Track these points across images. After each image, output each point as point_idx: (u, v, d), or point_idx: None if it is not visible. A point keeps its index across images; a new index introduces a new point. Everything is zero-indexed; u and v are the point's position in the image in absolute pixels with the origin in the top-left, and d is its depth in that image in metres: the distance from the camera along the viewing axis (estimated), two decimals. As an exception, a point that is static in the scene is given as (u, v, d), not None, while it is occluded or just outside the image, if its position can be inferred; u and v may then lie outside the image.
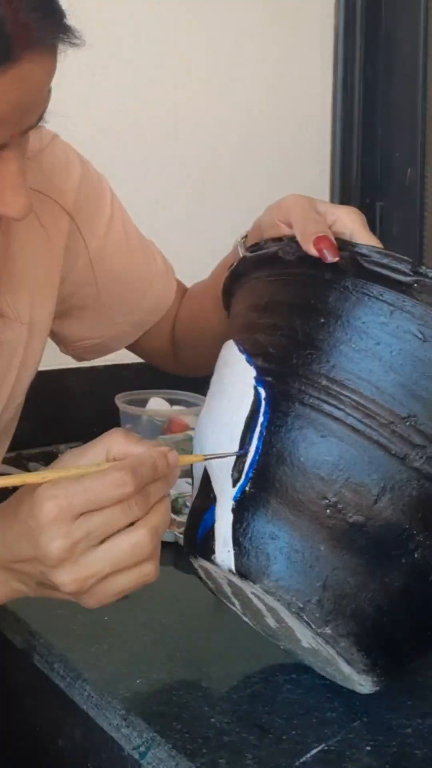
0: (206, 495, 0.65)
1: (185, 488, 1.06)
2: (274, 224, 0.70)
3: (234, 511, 0.62)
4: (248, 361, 0.65)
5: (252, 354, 0.66)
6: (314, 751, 0.60)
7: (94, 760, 0.71)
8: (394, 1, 1.62)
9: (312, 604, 0.59)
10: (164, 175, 1.46)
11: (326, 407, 0.60)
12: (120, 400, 1.31)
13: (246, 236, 0.78)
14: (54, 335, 0.91)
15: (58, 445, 1.31)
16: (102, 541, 0.56)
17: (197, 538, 0.65)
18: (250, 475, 0.62)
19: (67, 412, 1.36)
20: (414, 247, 1.57)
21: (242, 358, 0.66)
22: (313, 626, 0.60)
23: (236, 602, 0.69)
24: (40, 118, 0.59)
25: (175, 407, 1.34)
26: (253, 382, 0.64)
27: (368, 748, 0.61)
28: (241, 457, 0.63)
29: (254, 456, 0.62)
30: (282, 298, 0.66)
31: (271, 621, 0.66)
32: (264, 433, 0.62)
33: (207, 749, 0.60)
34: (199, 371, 0.88)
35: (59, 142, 0.85)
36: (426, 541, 0.59)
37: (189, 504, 0.98)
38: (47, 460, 1.24)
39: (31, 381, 0.84)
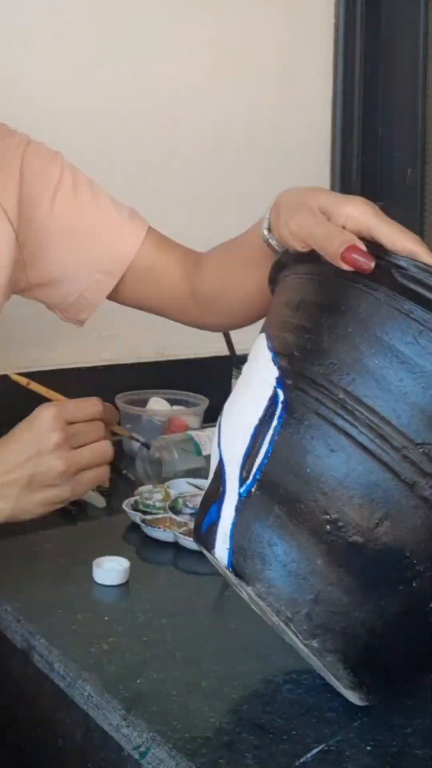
0: (217, 487, 0.65)
1: (185, 488, 1.06)
2: (299, 244, 0.67)
3: (237, 509, 0.62)
4: (273, 360, 0.65)
5: (278, 353, 0.65)
6: (314, 751, 0.60)
7: (94, 760, 0.71)
8: (394, 1, 1.62)
9: (301, 615, 0.59)
10: (164, 175, 1.46)
11: (340, 422, 0.59)
12: (120, 400, 1.31)
13: (268, 222, 0.77)
14: (42, 301, 1.02)
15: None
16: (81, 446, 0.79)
17: (202, 527, 0.65)
18: (258, 477, 0.61)
19: (67, 412, 1.36)
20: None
21: (269, 355, 0.65)
22: (300, 637, 0.59)
23: (243, 592, 0.69)
24: None
25: (175, 407, 1.34)
26: (274, 382, 0.63)
27: (368, 748, 0.61)
28: (251, 457, 0.62)
29: (263, 459, 0.61)
30: (314, 299, 0.65)
31: (272, 617, 0.66)
32: (276, 438, 0.61)
33: (207, 749, 0.60)
34: (231, 328, 1.15)
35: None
36: (426, 572, 0.58)
37: (189, 504, 0.99)
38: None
39: None
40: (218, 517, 0.63)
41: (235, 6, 1.51)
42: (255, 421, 0.63)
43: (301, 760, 0.59)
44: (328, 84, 1.65)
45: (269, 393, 0.63)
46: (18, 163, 0.94)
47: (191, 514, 0.97)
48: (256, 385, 0.65)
